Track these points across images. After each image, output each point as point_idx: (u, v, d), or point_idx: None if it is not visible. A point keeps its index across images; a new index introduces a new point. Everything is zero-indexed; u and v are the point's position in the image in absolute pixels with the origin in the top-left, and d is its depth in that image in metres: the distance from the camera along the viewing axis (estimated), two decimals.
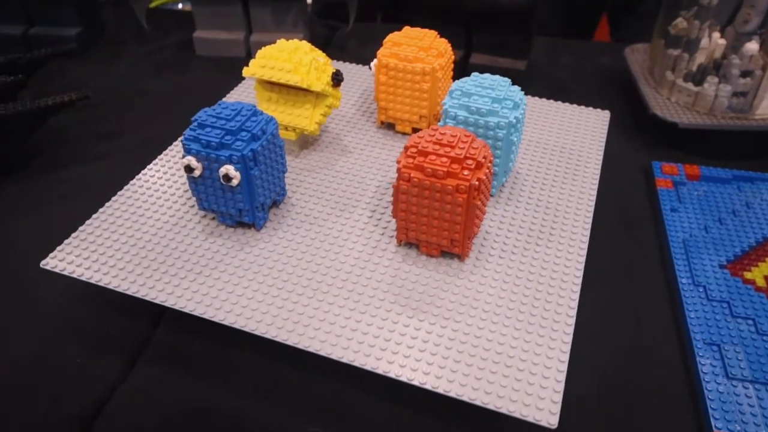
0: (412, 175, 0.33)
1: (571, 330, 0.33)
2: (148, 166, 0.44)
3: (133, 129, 0.58)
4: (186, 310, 0.33)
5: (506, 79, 0.40)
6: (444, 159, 0.33)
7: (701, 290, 0.41)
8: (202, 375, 0.36)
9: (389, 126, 0.48)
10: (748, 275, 0.42)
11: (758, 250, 0.43)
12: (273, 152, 0.37)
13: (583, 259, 0.37)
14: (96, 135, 0.57)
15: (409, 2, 0.65)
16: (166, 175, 0.43)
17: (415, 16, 0.66)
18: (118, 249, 0.37)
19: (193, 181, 0.36)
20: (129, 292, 0.34)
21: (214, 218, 0.39)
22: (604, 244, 0.45)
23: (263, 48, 0.42)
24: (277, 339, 0.32)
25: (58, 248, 0.36)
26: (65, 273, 0.35)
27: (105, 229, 0.38)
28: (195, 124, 0.35)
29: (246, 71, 0.42)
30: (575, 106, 0.52)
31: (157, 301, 0.33)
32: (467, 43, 0.65)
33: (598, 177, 0.44)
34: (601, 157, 0.46)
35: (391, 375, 0.30)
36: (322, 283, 0.35)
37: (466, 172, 0.32)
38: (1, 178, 0.51)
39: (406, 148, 0.34)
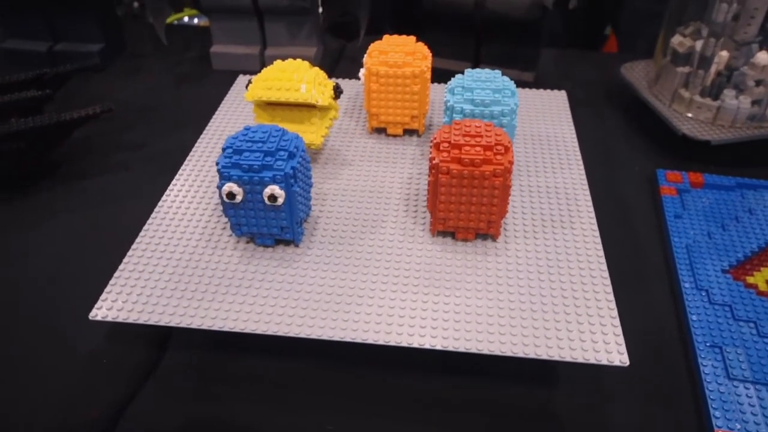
0: (451, 167, 0.36)
1: (608, 280, 0.37)
2: (167, 192, 0.44)
3: (153, 139, 0.60)
4: (245, 331, 0.34)
5: (497, 71, 0.44)
6: (477, 148, 0.36)
7: (704, 294, 0.42)
8: (215, 391, 0.37)
9: (379, 131, 0.50)
10: (750, 280, 0.43)
11: (760, 255, 0.44)
12: (305, 168, 0.38)
13: (597, 235, 0.40)
14: (118, 146, 0.59)
15: (419, 15, 0.67)
16: (188, 197, 0.44)
17: (425, 29, 0.68)
18: (160, 284, 0.37)
19: (231, 207, 0.37)
20: (183, 325, 0.34)
21: (248, 240, 0.39)
22: (610, 249, 0.45)
23: (261, 72, 0.44)
24: (345, 339, 0.33)
25: (102, 297, 0.36)
26: (118, 320, 0.35)
27: (145, 264, 0.38)
28: (229, 150, 0.36)
29: (249, 96, 0.43)
30: (533, 90, 0.55)
31: (214, 328, 0.34)
32: (476, 54, 0.67)
33: (581, 161, 0.47)
34: (575, 140, 0.50)
35: (460, 349, 0.33)
36: (367, 280, 0.37)
37: (498, 157, 0.36)
38: (29, 186, 0.54)
39: (437, 145, 0.37)
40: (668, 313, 0.42)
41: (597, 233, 0.40)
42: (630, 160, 0.57)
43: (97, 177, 0.55)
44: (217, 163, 0.36)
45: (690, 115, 0.55)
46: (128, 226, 0.46)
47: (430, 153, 0.38)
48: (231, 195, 0.35)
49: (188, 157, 0.47)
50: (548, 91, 0.56)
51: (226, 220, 0.40)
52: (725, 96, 0.54)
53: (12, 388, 0.37)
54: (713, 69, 0.54)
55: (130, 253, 0.39)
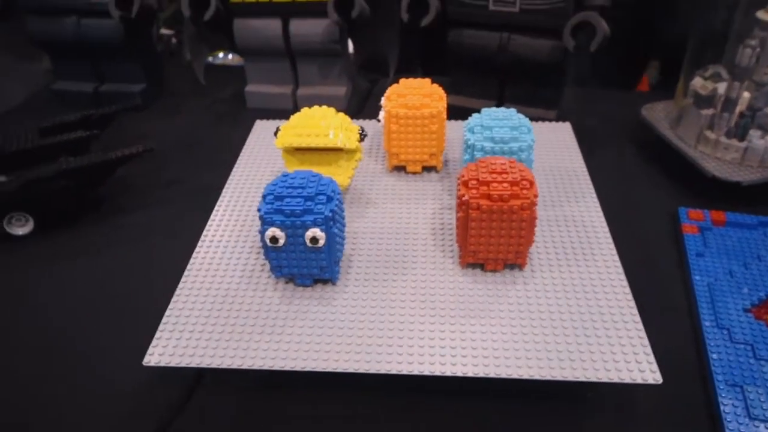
0: (481, 203, 0.38)
1: (633, 302, 0.39)
2: (203, 235, 0.46)
3: (191, 176, 0.63)
4: (295, 369, 0.35)
5: (513, 109, 0.46)
6: (505, 184, 0.38)
7: (725, 333, 0.42)
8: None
9: (399, 168, 0.52)
10: None
11: None
12: (341, 209, 0.41)
13: (618, 261, 0.42)
14: (158, 183, 0.63)
15: (446, 56, 0.70)
16: (224, 239, 0.45)
17: (452, 69, 0.71)
18: (208, 327, 0.38)
19: (273, 250, 0.39)
20: (234, 366, 0.36)
21: (287, 281, 0.41)
22: (631, 286, 0.47)
23: (290, 119, 0.46)
24: (392, 371, 0.35)
25: (153, 343, 0.37)
26: (170, 365, 0.36)
27: (190, 309, 0.40)
28: (270, 197, 0.38)
29: (279, 143, 0.45)
30: (538, 123, 0.57)
31: (265, 368, 0.35)
32: (500, 94, 0.69)
33: (594, 193, 0.49)
34: (586, 171, 0.52)
35: (502, 375, 0.35)
36: (405, 314, 0.39)
37: (525, 192, 0.38)
38: (74, 222, 0.57)
39: (465, 183, 0.39)
40: (689, 351, 0.42)
41: (617, 259, 0.42)
42: (651, 197, 0.58)
43: (137, 213, 0.58)
44: (259, 210, 0.38)
45: (717, 156, 0.56)
46: (167, 262, 0.48)
47: (458, 190, 0.40)
48: (274, 239, 0.37)
49: (218, 201, 0.50)
50: (553, 123, 0.58)
51: (263, 260, 0.42)
52: (751, 137, 0.55)
53: (49, 420, 0.40)
54: (737, 110, 0.55)
55: (175, 297, 0.40)
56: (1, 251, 0.54)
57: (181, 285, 0.42)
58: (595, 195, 0.49)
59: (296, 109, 0.75)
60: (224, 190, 0.51)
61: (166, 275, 0.49)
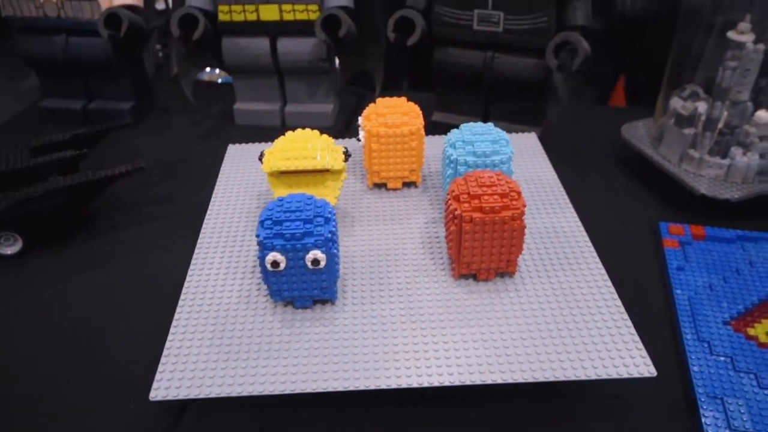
0: (473, 216, 0.39)
1: (619, 302, 0.41)
2: (193, 260, 0.45)
3: (181, 193, 0.64)
4: (305, 390, 0.36)
5: (490, 124, 0.48)
6: (495, 196, 0.40)
7: (705, 345, 0.43)
8: None
9: (379, 185, 0.53)
10: (751, 331, 0.44)
11: (761, 307, 0.46)
12: (336, 229, 0.41)
13: (601, 265, 0.44)
14: (148, 200, 0.63)
15: (432, 74, 0.71)
16: (215, 264, 0.45)
17: (439, 86, 0.72)
18: (212, 356, 0.38)
19: (274, 275, 0.39)
20: (244, 394, 0.35)
21: (286, 303, 0.41)
22: None
23: (275, 144, 0.47)
24: (402, 385, 0.36)
25: (157, 377, 0.37)
26: (178, 398, 0.36)
27: (190, 339, 0.39)
28: (269, 222, 0.38)
29: (267, 167, 0.46)
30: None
31: (275, 392, 0.35)
32: (485, 110, 0.70)
33: (569, 203, 0.51)
34: (558, 182, 0.53)
35: (507, 379, 0.36)
36: (407, 328, 0.39)
37: (514, 202, 0.40)
38: (63, 240, 0.57)
39: (456, 197, 0.41)
40: (670, 364, 0.43)
41: (599, 262, 0.44)
42: (633, 212, 0.59)
43: (127, 231, 0.59)
44: (258, 235, 0.38)
45: (702, 173, 0.58)
46: (158, 279, 0.49)
47: (449, 205, 0.41)
48: (275, 263, 0.38)
49: (203, 226, 0.49)
50: (518, 134, 0.60)
51: (258, 283, 0.43)
52: (734, 154, 0.56)
53: None
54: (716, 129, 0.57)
55: (173, 328, 0.40)
56: None
57: (177, 315, 0.41)
58: (570, 204, 0.50)
59: (284, 125, 0.76)
60: (207, 215, 0.50)
61: (157, 292, 0.50)
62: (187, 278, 0.44)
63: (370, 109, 0.51)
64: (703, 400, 0.40)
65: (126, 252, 0.56)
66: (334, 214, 0.40)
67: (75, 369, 0.44)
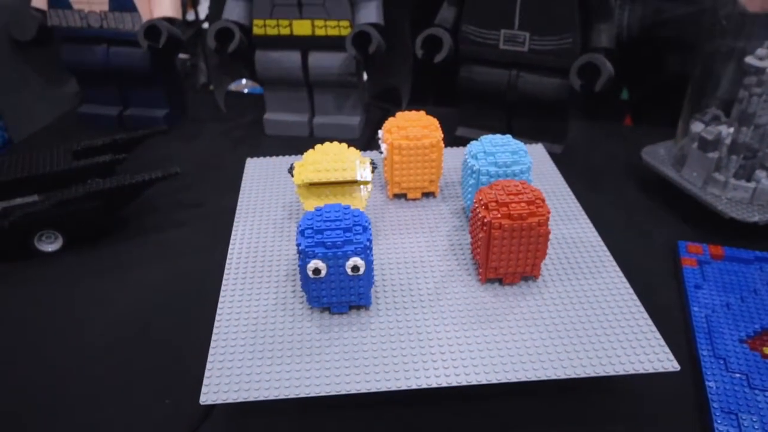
0: (503, 223, 0.41)
1: (640, 303, 0.43)
2: (227, 267, 0.47)
3: (211, 199, 0.66)
4: (350, 392, 0.37)
5: (508, 136, 0.50)
6: (522, 204, 0.42)
7: (721, 362, 0.44)
8: None
9: (399, 196, 0.55)
10: (766, 350, 0.45)
11: None
12: (371, 238, 0.43)
13: (619, 270, 0.46)
14: (180, 204, 0.65)
15: (457, 90, 0.73)
16: (248, 269, 0.47)
17: (463, 102, 0.74)
18: (255, 361, 0.39)
19: (314, 281, 0.40)
20: (291, 396, 0.37)
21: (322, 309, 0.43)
22: None
23: (305, 156, 0.48)
24: (432, 385, 0.37)
25: (205, 382, 0.38)
26: (227, 402, 0.37)
27: (233, 345, 0.40)
28: (309, 231, 0.40)
29: (298, 179, 0.47)
30: None
31: (321, 394, 0.37)
32: (508, 127, 0.72)
33: (584, 212, 0.52)
34: (570, 192, 0.55)
35: (541, 377, 0.37)
36: (441, 330, 0.41)
37: (540, 209, 0.42)
38: (101, 241, 0.60)
39: (485, 205, 0.42)
40: (686, 380, 0.44)
41: (618, 268, 0.46)
42: (653, 231, 0.60)
43: (160, 233, 0.61)
44: (299, 244, 0.39)
45: (728, 196, 0.58)
46: (190, 281, 0.51)
47: (476, 212, 0.43)
48: (317, 271, 0.39)
49: (232, 236, 0.50)
50: (528, 146, 0.61)
51: (292, 290, 0.44)
52: (759, 177, 0.58)
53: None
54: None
55: (215, 335, 0.41)
56: (31, 267, 0.57)
57: (217, 321, 0.42)
58: (584, 213, 0.52)
59: (312, 137, 0.79)
60: (234, 227, 0.52)
61: (187, 293, 0.52)
62: (223, 286, 0.45)
63: (390, 123, 0.53)
64: (717, 415, 0.41)
65: (159, 253, 0.58)
66: (370, 223, 0.42)
67: (106, 363, 0.47)
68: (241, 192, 0.56)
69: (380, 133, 0.53)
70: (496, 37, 0.66)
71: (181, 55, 1.11)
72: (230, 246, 0.49)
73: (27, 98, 0.81)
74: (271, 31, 0.72)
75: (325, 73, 0.74)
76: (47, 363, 0.47)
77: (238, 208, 0.54)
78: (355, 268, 0.40)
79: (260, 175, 0.59)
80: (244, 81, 1.19)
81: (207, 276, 0.51)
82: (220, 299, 0.44)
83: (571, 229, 0.50)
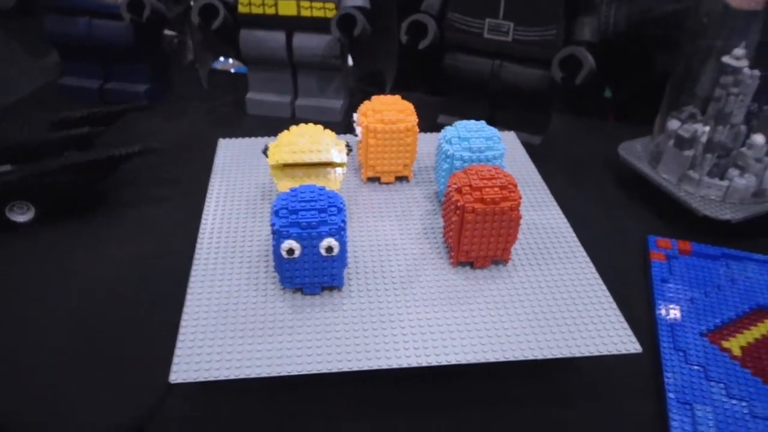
0: (476, 207, 0.42)
1: (605, 287, 0.44)
2: (198, 246, 0.47)
3: (190, 176, 0.66)
4: (321, 371, 0.37)
5: (482, 122, 0.50)
6: (495, 188, 0.42)
7: (681, 354, 0.45)
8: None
9: (372, 179, 0.56)
10: (725, 344, 0.46)
11: (737, 322, 0.48)
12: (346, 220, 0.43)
13: (585, 255, 0.47)
14: (158, 180, 0.65)
15: (441, 78, 0.73)
16: (221, 249, 0.46)
17: (448, 91, 0.74)
18: (227, 341, 0.39)
19: (288, 262, 0.40)
20: (263, 375, 0.37)
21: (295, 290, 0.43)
22: None
23: (279, 138, 0.48)
24: (403, 365, 0.38)
25: (175, 360, 0.38)
26: (198, 380, 0.37)
27: (204, 324, 0.40)
28: (284, 212, 0.40)
29: (273, 160, 0.47)
30: None
31: (293, 373, 0.37)
32: (491, 117, 0.72)
33: (553, 198, 0.53)
34: (541, 180, 0.56)
35: (509, 357, 0.39)
36: (412, 312, 0.42)
37: (513, 194, 0.42)
38: (76, 215, 0.59)
39: (458, 189, 0.43)
40: (646, 370, 0.45)
41: (585, 253, 0.48)
42: (626, 224, 0.61)
43: (136, 208, 0.61)
44: (273, 224, 0.39)
45: (701, 194, 0.59)
46: (162, 255, 0.51)
47: (450, 196, 0.44)
48: (291, 251, 0.39)
49: (203, 216, 0.50)
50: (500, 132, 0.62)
51: (266, 270, 0.44)
52: (732, 175, 0.58)
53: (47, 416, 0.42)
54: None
55: (185, 315, 0.41)
56: (3, 238, 0.56)
57: (188, 301, 0.42)
58: (554, 200, 0.54)
59: (294, 118, 0.78)
60: (206, 206, 0.51)
61: (161, 269, 0.52)
62: (194, 265, 0.45)
63: (366, 106, 0.53)
64: (673, 405, 0.42)
65: (135, 229, 0.58)
66: (344, 204, 0.42)
67: (73, 336, 0.47)
68: (213, 172, 0.56)
69: (355, 116, 0.53)
70: (481, 25, 0.66)
71: (169, 32, 1.09)
72: (201, 225, 0.49)
73: (6, 68, 0.80)
74: (256, 10, 0.72)
75: (309, 55, 0.74)
76: (13, 335, 0.47)
77: (209, 188, 0.54)
78: (329, 249, 0.40)
79: (233, 156, 0.59)
80: (231, 60, 1.18)
81: (182, 253, 0.51)
82: (191, 278, 0.44)
83: (542, 216, 0.51)
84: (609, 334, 0.41)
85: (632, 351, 0.40)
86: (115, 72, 0.80)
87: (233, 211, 0.51)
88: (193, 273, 0.44)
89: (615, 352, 0.39)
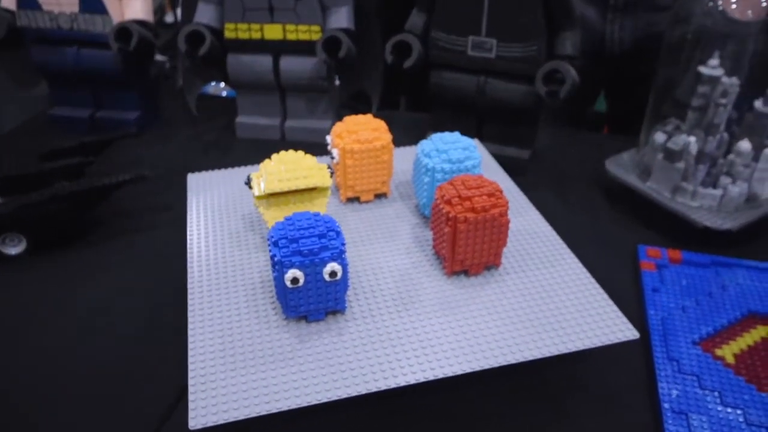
0: (467, 216, 0.43)
1: (596, 283, 0.46)
2: (189, 278, 0.46)
3: (181, 203, 0.65)
4: (336, 398, 0.37)
5: (456, 132, 0.52)
6: (483, 197, 0.43)
7: (674, 364, 0.46)
8: None
9: (351, 199, 0.56)
10: (718, 352, 0.46)
11: (729, 330, 0.48)
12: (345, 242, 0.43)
13: (574, 257, 0.48)
14: (149, 208, 0.65)
15: (427, 96, 0.74)
16: (213, 285, 0.45)
17: (434, 108, 0.75)
18: (239, 378, 0.38)
19: (292, 291, 0.40)
20: (284, 409, 0.36)
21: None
22: None
23: (262, 167, 0.48)
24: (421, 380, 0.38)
25: (191, 406, 0.36)
26: (218, 424, 0.36)
27: (212, 361, 0.39)
28: (284, 241, 0.39)
29: (260, 190, 0.46)
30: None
31: (314, 402, 0.36)
32: (478, 132, 0.73)
33: (530, 203, 0.54)
34: (515, 186, 0.57)
35: (514, 360, 0.39)
36: (417, 325, 0.42)
37: (500, 200, 0.44)
38: (67, 244, 0.60)
39: (448, 201, 0.44)
40: (640, 380, 0.46)
41: (573, 255, 0.49)
42: (616, 235, 0.61)
43: (128, 237, 0.61)
44: (274, 255, 0.39)
45: (696, 205, 0.60)
46: (157, 282, 0.51)
47: (440, 209, 0.44)
48: (295, 280, 0.39)
49: (188, 252, 0.49)
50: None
51: (263, 300, 0.44)
52: (724, 183, 0.59)
53: None
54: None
55: (191, 356, 0.39)
56: None
57: (191, 342, 0.41)
58: (533, 206, 0.54)
59: (284, 139, 0.79)
60: (189, 244, 0.50)
61: (155, 296, 0.52)
62: (189, 308, 0.43)
63: (339, 127, 0.53)
64: (668, 415, 0.42)
65: (127, 257, 0.58)
66: (340, 227, 0.42)
67: (69, 367, 0.47)
68: (188, 208, 0.55)
69: (329, 138, 0.54)
70: (465, 43, 0.67)
71: (160, 57, 1.10)
72: (189, 266, 0.47)
73: None
74: (243, 35, 0.72)
75: (297, 77, 0.74)
76: (9, 367, 0.47)
77: (188, 225, 0.52)
78: (333, 274, 0.40)
79: (204, 190, 0.57)
80: (222, 84, 1.19)
81: (175, 280, 0.51)
82: (189, 321, 0.42)
83: (522, 222, 0.52)
84: (606, 324, 0.42)
85: (630, 338, 0.41)
86: (105, 100, 0.81)
87: (218, 247, 0.49)
88: (190, 315, 0.43)
89: (615, 341, 0.41)
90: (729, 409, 0.42)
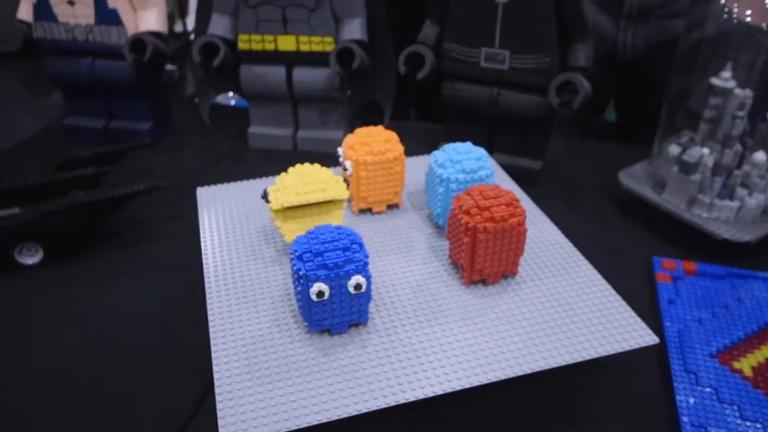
0: (486, 226, 0.43)
1: (613, 290, 0.46)
2: (208, 294, 0.45)
3: (194, 212, 0.66)
4: (365, 411, 0.37)
5: (468, 143, 0.52)
6: (501, 207, 0.44)
7: (692, 377, 0.45)
8: None
9: (363, 210, 0.56)
10: (736, 365, 0.46)
11: (746, 342, 0.48)
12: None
13: (589, 264, 0.49)
14: (162, 217, 0.66)
15: (439, 106, 0.74)
16: (233, 301, 0.45)
17: (446, 118, 0.75)
18: (266, 393, 0.38)
19: (317, 305, 0.39)
20: (314, 423, 0.36)
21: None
22: None
23: (278, 181, 0.48)
24: (447, 390, 0.38)
25: (221, 423, 0.36)
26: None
27: (238, 377, 0.39)
28: (308, 255, 0.39)
29: (278, 204, 0.46)
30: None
31: (343, 416, 0.36)
32: (490, 144, 0.73)
33: (543, 213, 0.55)
34: (525, 195, 0.58)
35: (538, 368, 0.39)
36: (440, 336, 0.42)
37: (518, 210, 0.44)
38: (82, 253, 0.60)
39: (467, 211, 0.44)
40: (657, 394, 0.45)
41: (587, 262, 0.49)
42: (629, 247, 0.61)
43: (142, 247, 0.61)
44: (298, 270, 0.39)
45: (713, 217, 0.60)
46: (169, 291, 0.51)
47: (458, 219, 0.44)
48: (321, 294, 0.39)
49: (205, 268, 0.48)
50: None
51: (284, 314, 0.43)
52: (741, 195, 0.59)
53: None
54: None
55: (216, 374, 0.39)
56: (11, 280, 0.56)
57: (215, 360, 0.40)
58: (545, 215, 0.55)
59: (296, 149, 0.79)
60: (204, 259, 0.50)
61: (169, 307, 0.52)
62: (210, 320, 0.43)
63: (351, 139, 0.54)
64: (687, 429, 0.41)
65: (141, 267, 0.58)
66: (362, 240, 0.42)
67: (86, 376, 0.47)
68: (200, 222, 0.55)
69: (340, 150, 0.54)
70: (478, 55, 0.67)
71: (170, 66, 1.11)
72: (206, 280, 0.47)
73: (11, 109, 0.81)
74: (256, 46, 0.73)
75: (310, 89, 0.75)
76: (26, 377, 0.47)
77: (201, 239, 0.52)
78: (358, 286, 0.40)
79: (215, 203, 0.57)
80: (231, 93, 1.20)
81: (190, 290, 0.51)
82: (212, 336, 0.42)
83: (536, 231, 0.53)
84: (626, 330, 0.42)
85: (650, 343, 0.41)
86: (119, 111, 0.81)
87: (234, 261, 0.49)
88: (211, 329, 0.42)
89: (636, 346, 0.41)
90: (748, 423, 0.42)
